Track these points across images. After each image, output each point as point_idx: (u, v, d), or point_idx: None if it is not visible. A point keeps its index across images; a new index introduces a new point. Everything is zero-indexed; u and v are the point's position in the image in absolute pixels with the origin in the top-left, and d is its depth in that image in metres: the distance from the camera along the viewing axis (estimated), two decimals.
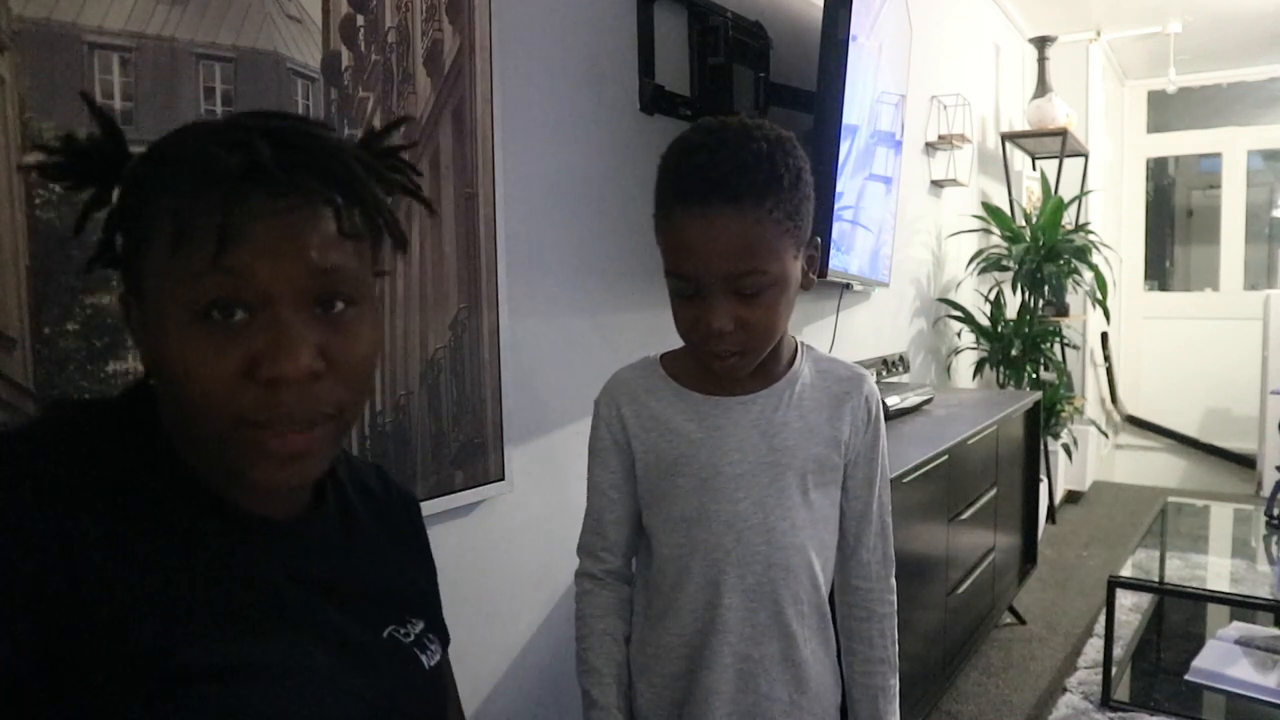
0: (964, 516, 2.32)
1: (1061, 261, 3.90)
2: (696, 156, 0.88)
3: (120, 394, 0.64)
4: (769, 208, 0.87)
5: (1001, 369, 3.90)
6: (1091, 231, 4.14)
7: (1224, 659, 2.63)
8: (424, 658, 0.70)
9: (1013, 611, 3.05)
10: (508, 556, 1.55)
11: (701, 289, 0.89)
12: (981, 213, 4.13)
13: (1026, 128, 4.33)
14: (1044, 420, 3.82)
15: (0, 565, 0.50)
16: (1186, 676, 2.57)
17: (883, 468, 1.06)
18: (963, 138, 3.55)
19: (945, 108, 3.53)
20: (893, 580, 1.08)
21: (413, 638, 0.70)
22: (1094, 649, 2.83)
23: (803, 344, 1.05)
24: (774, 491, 0.98)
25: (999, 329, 3.89)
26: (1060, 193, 4.17)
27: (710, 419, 0.99)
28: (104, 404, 0.62)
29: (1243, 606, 2.69)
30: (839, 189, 2.08)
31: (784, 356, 1.02)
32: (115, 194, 0.59)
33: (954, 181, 3.65)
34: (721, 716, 0.99)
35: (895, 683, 1.07)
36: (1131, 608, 3.15)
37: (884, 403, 2.27)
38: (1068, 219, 4.10)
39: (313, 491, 0.70)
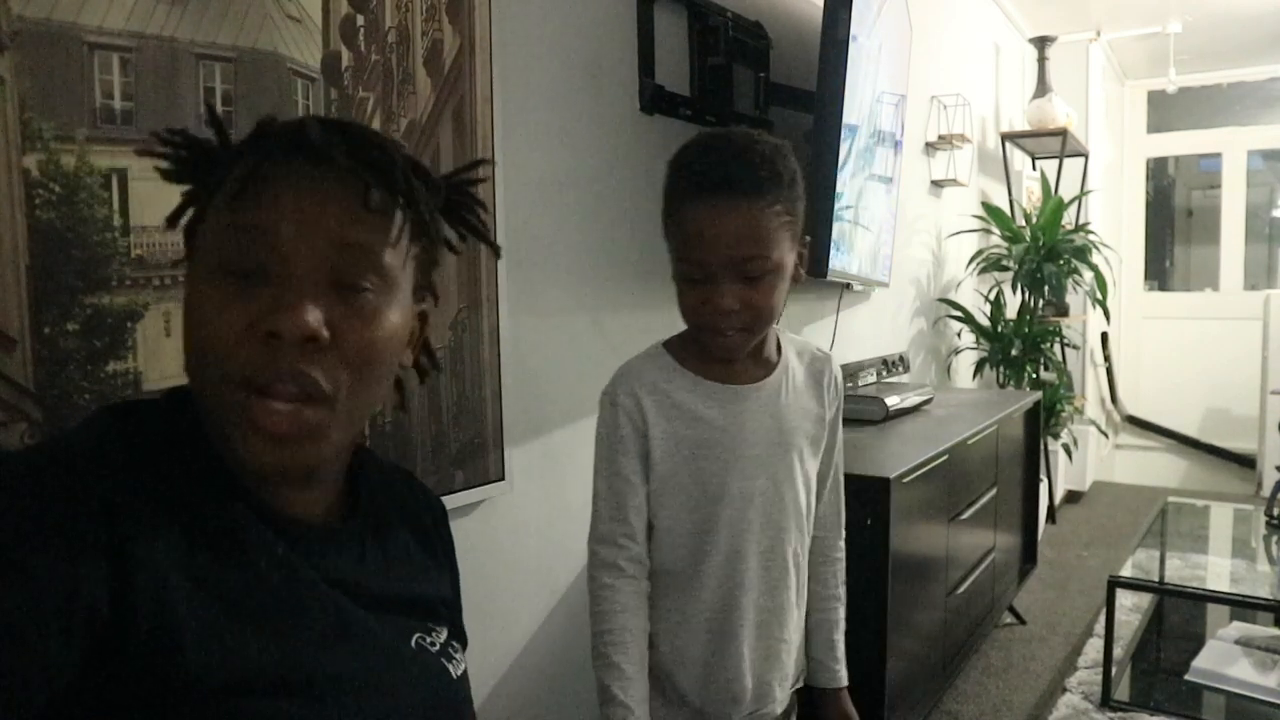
0: (964, 516, 2.32)
1: (1061, 261, 3.90)
2: (708, 158, 1.01)
3: (164, 395, 0.63)
4: (771, 201, 0.99)
5: (1001, 369, 3.90)
6: (1091, 231, 4.13)
7: (1224, 659, 2.63)
8: (450, 666, 0.70)
9: (1013, 611, 3.05)
10: (508, 556, 1.55)
11: (710, 274, 1.00)
12: (981, 213, 4.13)
13: (1026, 128, 4.33)
14: (1044, 420, 3.82)
15: (48, 574, 0.48)
16: (1186, 676, 2.57)
17: (839, 431, 1.21)
18: (963, 138, 3.55)
19: (945, 108, 3.53)
20: (844, 530, 1.25)
21: (438, 646, 0.70)
22: (1094, 649, 2.83)
23: (778, 331, 1.15)
24: (783, 467, 1.11)
25: (999, 329, 3.89)
26: (1060, 193, 4.16)
27: (730, 405, 1.09)
28: (149, 406, 0.61)
29: (1243, 606, 2.69)
30: (839, 189, 2.08)
31: (773, 346, 1.14)
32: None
33: (954, 181, 3.65)
34: (748, 663, 1.11)
35: (843, 614, 1.24)
36: (1131, 608, 3.14)
37: (883, 402, 2.33)
38: (1068, 219, 4.09)
39: (346, 496, 0.70)
